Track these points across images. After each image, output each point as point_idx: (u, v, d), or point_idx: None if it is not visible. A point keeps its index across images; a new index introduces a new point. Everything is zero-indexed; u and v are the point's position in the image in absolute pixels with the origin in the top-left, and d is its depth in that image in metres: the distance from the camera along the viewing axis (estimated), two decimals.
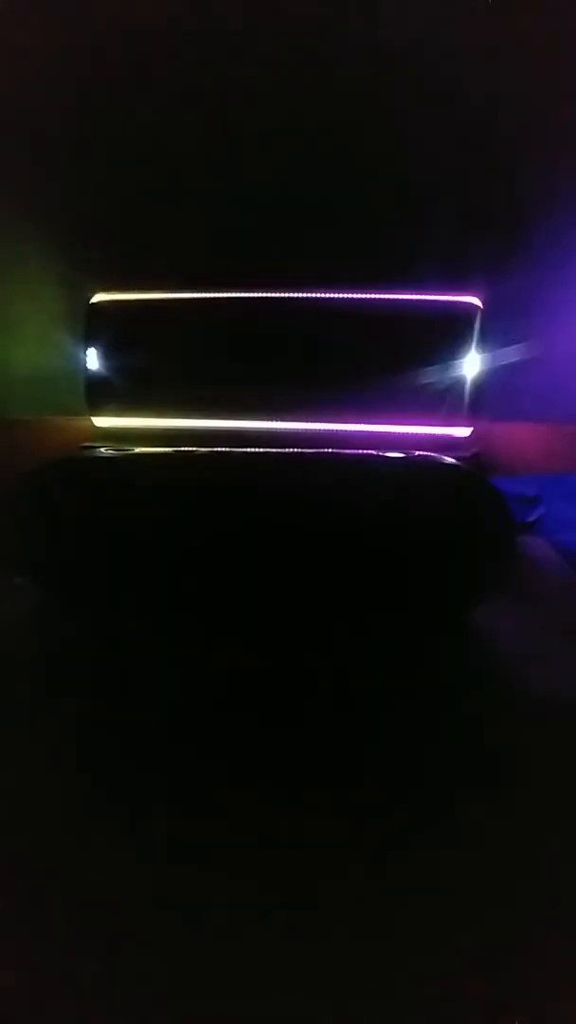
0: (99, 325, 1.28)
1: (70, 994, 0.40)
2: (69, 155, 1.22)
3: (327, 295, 1.23)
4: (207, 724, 0.59)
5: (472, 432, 1.25)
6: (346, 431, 1.26)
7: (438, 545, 0.63)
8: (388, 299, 1.23)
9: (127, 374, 1.30)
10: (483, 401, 1.22)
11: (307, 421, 1.26)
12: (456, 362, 1.22)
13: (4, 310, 1.34)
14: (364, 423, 1.25)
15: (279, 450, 0.76)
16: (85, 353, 1.28)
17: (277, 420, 1.27)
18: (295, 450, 0.75)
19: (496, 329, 1.22)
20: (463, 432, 1.25)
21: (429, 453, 0.70)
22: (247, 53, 1.12)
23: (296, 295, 1.24)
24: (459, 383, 1.22)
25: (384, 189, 1.21)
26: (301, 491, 0.64)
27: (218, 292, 1.26)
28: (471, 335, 1.21)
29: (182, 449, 0.75)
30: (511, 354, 1.25)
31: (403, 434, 1.24)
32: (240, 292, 1.25)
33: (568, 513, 1.05)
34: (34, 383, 1.37)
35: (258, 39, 1.10)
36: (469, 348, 1.21)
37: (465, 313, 1.22)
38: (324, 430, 1.26)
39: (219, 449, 0.75)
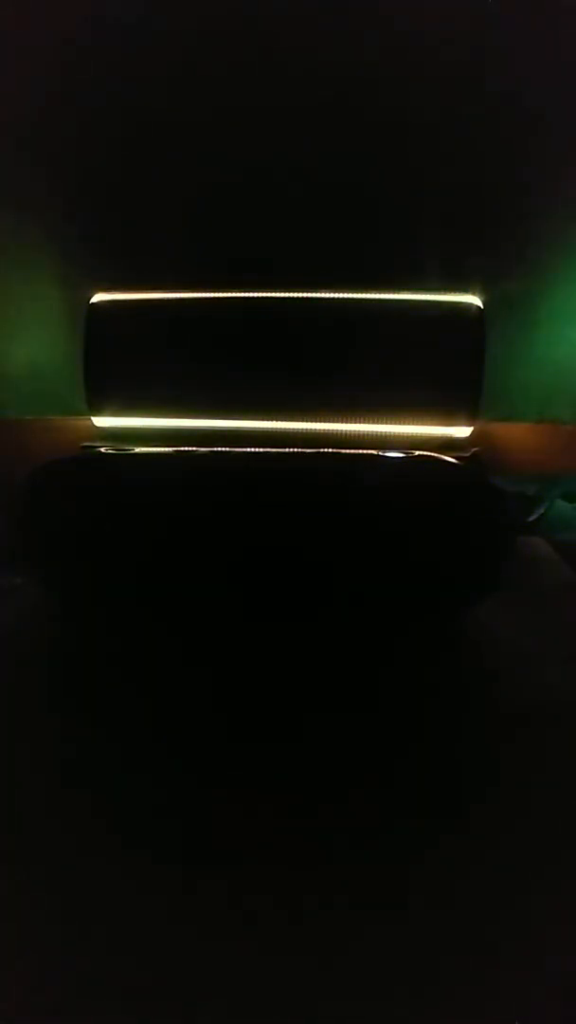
0: (99, 325, 1.28)
1: (70, 995, 0.40)
2: (69, 154, 1.22)
3: (327, 295, 1.23)
4: (207, 725, 0.59)
5: (472, 432, 1.25)
6: (346, 431, 1.25)
7: (438, 545, 0.63)
8: (388, 299, 1.22)
9: (127, 374, 1.29)
10: (483, 401, 1.21)
11: (307, 421, 1.26)
12: (456, 362, 1.22)
13: (4, 310, 1.34)
14: (364, 423, 1.24)
15: (279, 450, 0.76)
16: (85, 353, 1.28)
17: (277, 420, 1.27)
18: (295, 450, 0.75)
19: (496, 329, 1.22)
20: (463, 432, 1.25)
21: (429, 453, 0.70)
22: (246, 51, 1.12)
23: (296, 295, 1.24)
24: (459, 383, 1.22)
25: (384, 188, 1.20)
26: (301, 491, 0.64)
27: (218, 292, 1.26)
28: (471, 335, 1.21)
29: (182, 449, 0.75)
30: (511, 354, 1.25)
31: (403, 434, 1.24)
32: (240, 292, 1.25)
33: (568, 513, 1.05)
34: (34, 383, 1.37)
35: (258, 39, 1.10)
36: (469, 348, 1.21)
37: (465, 313, 1.21)
38: (324, 430, 1.26)
39: (219, 449, 0.75)
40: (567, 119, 1.11)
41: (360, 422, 1.24)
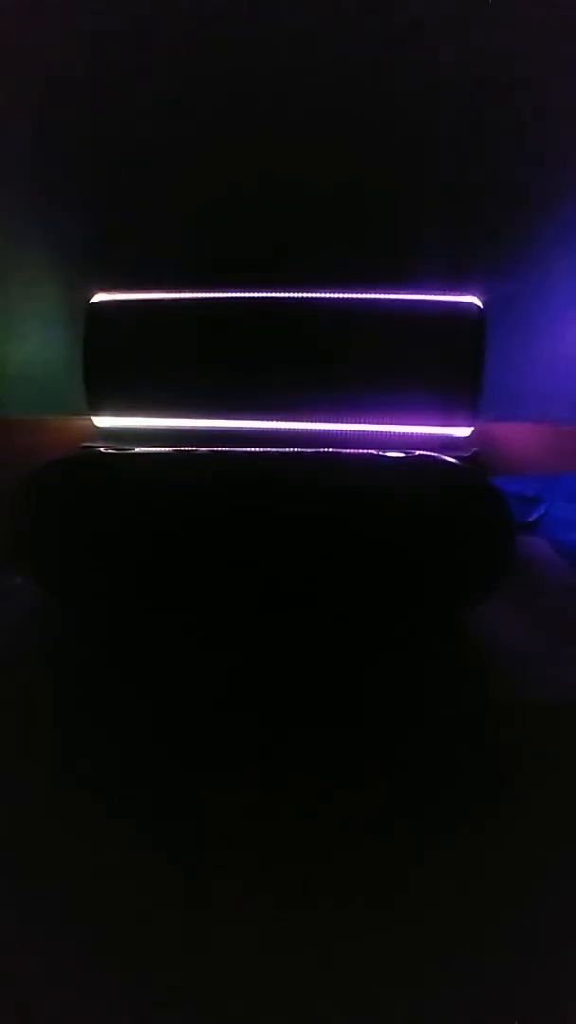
0: (99, 325, 1.28)
1: (69, 995, 0.40)
2: (69, 154, 1.22)
3: (327, 295, 1.23)
4: (207, 725, 0.59)
5: (472, 432, 1.25)
6: (346, 431, 1.26)
7: (438, 545, 0.63)
8: (388, 299, 1.23)
9: (127, 374, 1.30)
10: (483, 401, 1.22)
11: (307, 421, 1.26)
12: (456, 362, 1.22)
13: (4, 310, 1.34)
14: (364, 423, 1.25)
15: (279, 450, 0.75)
16: (85, 353, 1.28)
17: (277, 420, 1.27)
18: (295, 450, 0.75)
19: (496, 329, 1.22)
20: (463, 432, 1.25)
21: (429, 453, 0.70)
22: (245, 53, 1.12)
23: (296, 295, 1.24)
24: (459, 383, 1.22)
25: (384, 188, 1.21)
26: (301, 491, 0.64)
27: (218, 292, 1.26)
28: (471, 335, 1.21)
29: (182, 449, 0.75)
30: (511, 354, 1.25)
31: (403, 434, 1.24)
32: (240, 292, 1.25)
33: (568, 513, 1.05)
34: (34, 383, 1.37)
35: (257, 40, 1.10)
36: (469, 348, 1.21)
37: (465, 313, 1.22)
38: (324, 430, 1.26)
39: (219, 449, 0.75)
40: (568, 118, 1.11)
41: (360, 422, 1.24)
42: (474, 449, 1.22)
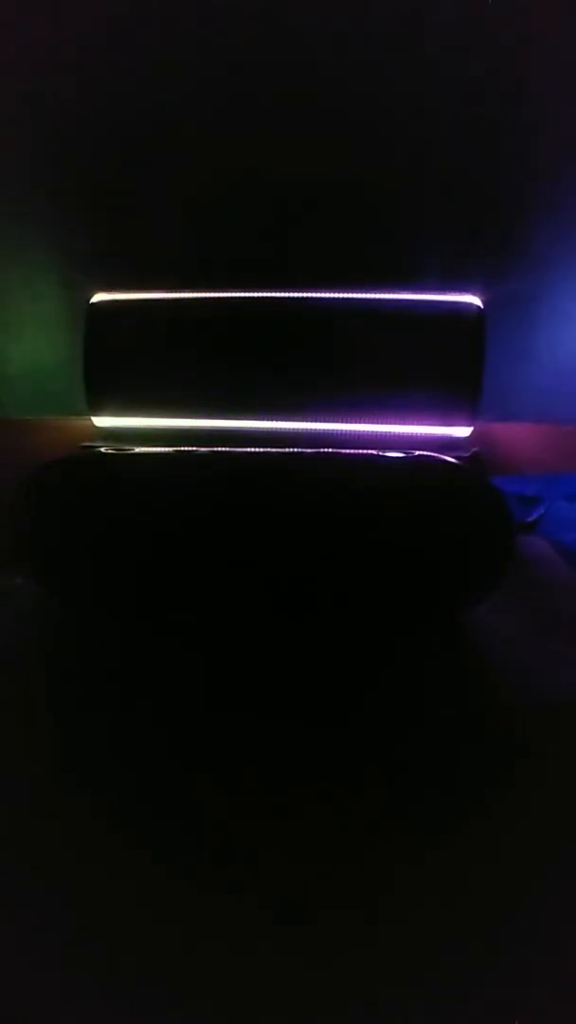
0: (99, 325, 1.28)
1: (69, 994, 0.40)
2: (69, 154, 1.22)
3: (327, 295, 1.23)
4: (207, 725, 0.59)
5: (472, 432, 1.25)
6: (346, 431, 1.26)
7: (438, 545, 0.63)
8: (387, 299, 1.23)
9: (127, 374, 1.30)
10: (483, 401, 1.22)
11: (307, 421, 1.26)
12: (456, 362, 1.22)
13: (4, 310, 1.34)
14: (364, 423, 1.25)
15: (279, 450, 0.75)
16: (85, 353, 1.28)
17: (277, 420, 1.27)
18: (295, 450, 0.75)
19: (496, 329, 1.22)
20: (463, 432, 1.25)
21: (429, 453, 0.70)
22: (245, 53, 1.12)
23: (296, 295, 1.24)
24: (459, 383, 1.22)
25: (384, 188, 1.21)
26: (301, 491, 0.64)
27: (219, 292, 1.26)
28: (471, 335, 1.21)
29: (182, 449, 0.75)
30: (511, 354, 1.25)
31: (403, 434, 1.24)
32: (240, 292, 1.25)
33: (568, 513, 1.05)
34: (34, 382, 1.37)
35: (257, 42, 1.10)
36: (469, 348, 1.21)
37: (465, 313, 1.22)
38: (324, 430, 1.26)
39: (219, 449, 0.75)
40: (567, 119, 1.11)
41: (360, 422, 1.24)
42: (474, 449, 1.22)
